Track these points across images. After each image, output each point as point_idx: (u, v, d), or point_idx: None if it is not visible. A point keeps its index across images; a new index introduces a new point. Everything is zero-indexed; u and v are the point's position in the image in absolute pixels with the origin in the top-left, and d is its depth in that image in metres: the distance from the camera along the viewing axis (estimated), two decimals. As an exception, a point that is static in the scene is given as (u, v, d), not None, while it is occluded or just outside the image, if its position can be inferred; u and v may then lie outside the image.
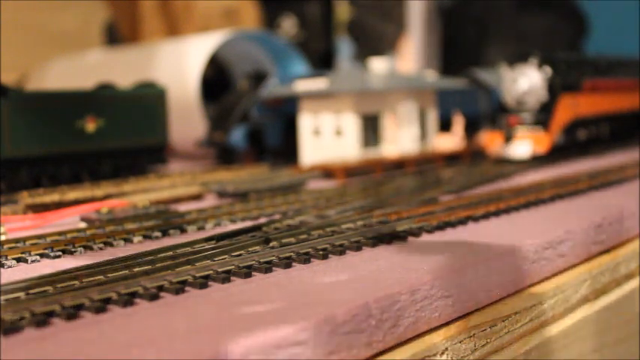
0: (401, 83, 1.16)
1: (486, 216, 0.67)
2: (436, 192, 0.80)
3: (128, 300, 0.41)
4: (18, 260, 0.53)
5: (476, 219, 0.66)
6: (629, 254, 0.69)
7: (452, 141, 1.36)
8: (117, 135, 0.98)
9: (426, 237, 0.59)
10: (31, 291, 0.42)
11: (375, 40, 2.06)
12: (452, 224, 0.63)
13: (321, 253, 0.52)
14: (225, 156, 1.24)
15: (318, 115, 1.11)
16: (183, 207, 0.76)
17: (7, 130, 0.85)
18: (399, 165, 1.08)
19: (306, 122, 1.12)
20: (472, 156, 1.19)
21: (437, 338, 0.45)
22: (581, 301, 0.61)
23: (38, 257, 0.54)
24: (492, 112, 1.20)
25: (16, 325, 0.37)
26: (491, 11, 2.06)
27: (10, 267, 0.52)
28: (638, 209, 0.73)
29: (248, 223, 0.66)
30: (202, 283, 0.45)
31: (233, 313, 0.40)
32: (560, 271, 0.60)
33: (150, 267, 0.48)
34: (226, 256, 0.51)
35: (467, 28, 2.10)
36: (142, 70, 1.32)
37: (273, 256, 0.51)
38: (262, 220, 0.68)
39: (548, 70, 1.10)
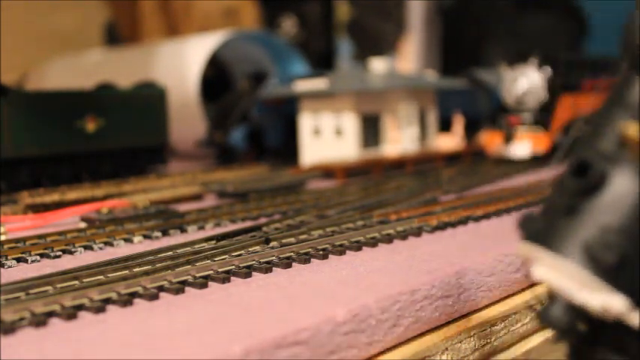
0: (401, 83, 1.16)
1: (486, 216, 0.67)
2: (436, 192, 0.80)
3: (128, 300, 0.41)
4: (18, 260, 0.53)
5: (476, 219, 0.66)
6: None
7: (452, 141, 1.36)
8: (117, 135, 0.98)
9: (426, 237, 0.59)
10: (31, 291, 0.42)
11: (375, 40, 2.06)
12: (452, 224, 0.63)
13: (321, 253, 0.52)
14: (225, 156, 1.24)
15: (318, 115, 1.11)
16: (183, 207, 0.76)
17: (7, 130, 0.85)
18: (399, 165, 1.08)
19: (306, 122, 1.12)
20: (472, 156, 1.19)
21: (437, 338, 0.45)
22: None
23: (38, 257, 0.54)
24: (492, 112, 1.20)
25: (16, 325, 0.37)
26: (491, 11, 2.06)
27: (10, 267, 0.52)
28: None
29: (248, 223, 0.66)
30: (202, 283, 0.45)
31: (233, 313, 0.40)
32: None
33: (150, 267, 0.48)
34: (226, 256, 0.51)
35: (467, 28, 2.10)
36: (142, 70, 1.32)
37: (273, 256, 0.51)
38: (262, 220, 0.68)
39: (548, 70, 1.10)
